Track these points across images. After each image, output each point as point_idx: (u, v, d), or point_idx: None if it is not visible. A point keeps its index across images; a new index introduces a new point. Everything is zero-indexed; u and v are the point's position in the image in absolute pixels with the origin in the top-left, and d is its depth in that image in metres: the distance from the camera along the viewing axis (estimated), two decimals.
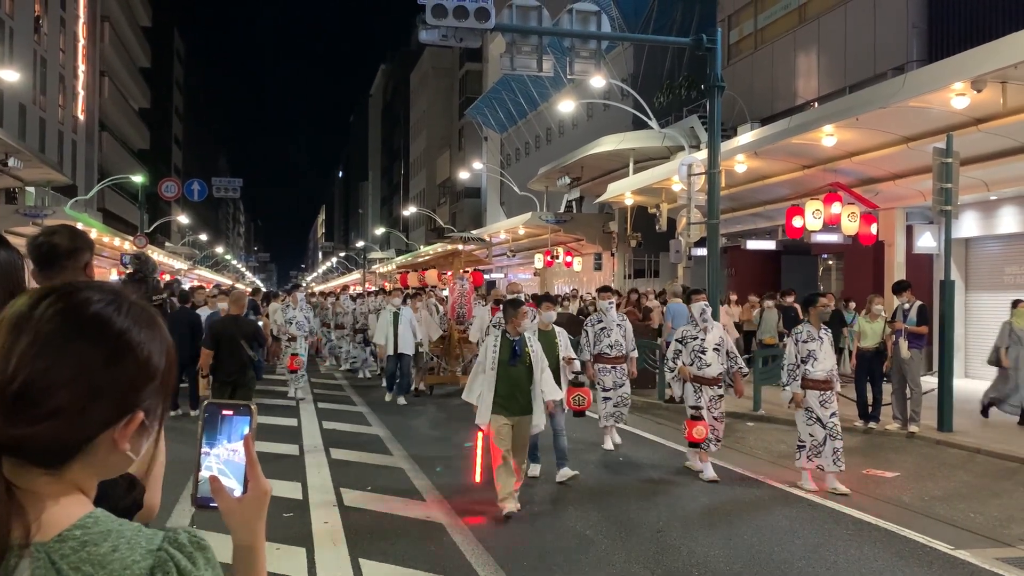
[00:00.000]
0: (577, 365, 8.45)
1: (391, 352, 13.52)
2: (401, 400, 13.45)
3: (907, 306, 10.76)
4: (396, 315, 13.55)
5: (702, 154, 17.15)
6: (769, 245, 20.56)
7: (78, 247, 2.84)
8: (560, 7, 15.53)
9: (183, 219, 59.30)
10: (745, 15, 25.75)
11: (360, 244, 77.84)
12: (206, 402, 1.25)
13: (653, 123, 21.64)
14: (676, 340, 8.55)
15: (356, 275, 68.66)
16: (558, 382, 7.55)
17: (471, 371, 7.09)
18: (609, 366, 9.71)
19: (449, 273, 17.04)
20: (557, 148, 37.99)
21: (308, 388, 13.97)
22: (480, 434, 7.07)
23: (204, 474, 1.20)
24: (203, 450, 1.21)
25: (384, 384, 14.51)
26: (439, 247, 22.05)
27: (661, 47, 28.29)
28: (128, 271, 10.09)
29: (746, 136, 18.69)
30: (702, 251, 18.40)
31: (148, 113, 60.54)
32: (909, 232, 17.27)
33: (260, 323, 11.44)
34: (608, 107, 29.45)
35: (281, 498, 7.23)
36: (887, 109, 12.87)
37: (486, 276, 28.38)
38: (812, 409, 7.80)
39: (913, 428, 10.55)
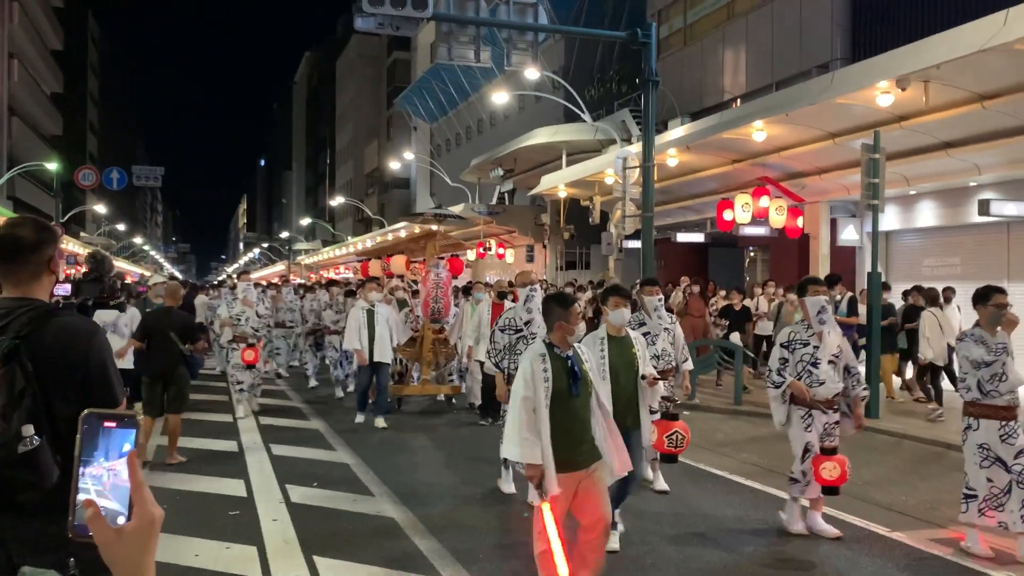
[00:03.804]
0: (662, 388, 6.21)
1: (365, 361, 10.90)
2: (380, 422, 10.62)
3: (838, 298, 11.13)
4: (371, 313, 10.95)
5: (636, 147, 17.38)
6: (698, 238, 20.97)
7: (43, 240, 2.71)
8: None
9: (100, 208, 57.23)
10: (675, 11, 26.14)
11: (284, 235, 76.56)
12: (85, 411, 1.09)
13: (586, 116, 21.82)
14: (781, 345, 6.22)
15: (280, 266, 67.48)
16: (637, 409, 5.57)
17: (507, 415, 4.79)
18: None
19: (421, 260, 14.19)
20: (489, 139, 37.97)
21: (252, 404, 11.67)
22: (545, 507, 4.37)
23: (81, 497, 1.04)
24: (80, 469, 1.05)
25: (336, 393, 13.30)
26: (407, 227, 18.84)
27: (592, 40, 28.50)
28: (84, 271, 9.64)
29: (678, 130, 19.01)
30: (633, 244, 18.67)
31: (61, 98, 58.11)
32: (833, 225, 17.83)
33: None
34: (540, 99, 29.56)
35: (225, 496, 7.09)
36: (815, 106, 13.26)
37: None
38: (989, 446, 5.63)
39: None
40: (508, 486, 7.21)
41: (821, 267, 17.17)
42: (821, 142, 14.88)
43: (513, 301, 9.47)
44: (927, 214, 15.99)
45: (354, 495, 7.11)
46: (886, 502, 7.10)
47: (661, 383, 6.04)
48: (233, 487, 7.37)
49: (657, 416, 6.19)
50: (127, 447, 1.05)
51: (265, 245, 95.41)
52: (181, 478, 7.68)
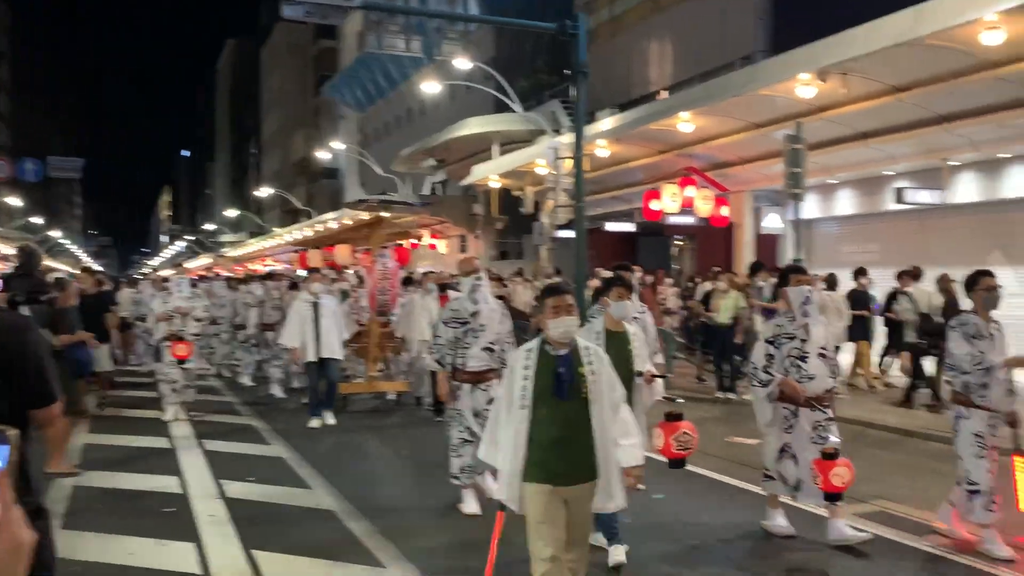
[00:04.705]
0: (660, 387, 5.74)
1: (312, 358, 10.11)
2: (329, 419, 10.12)
3: (761, 284, 11.49)
4: (316, 306, 10.20)
5: (567, 138, 17.55)
6: (628, 227, 21.32)
7: None
8: None
9: (14, 201, 55.04)
10: (601, 2, 26.40)
11: (209, 227, 74.85)
12: None
13: (517, 106, 21.93)
14: (766, 341, 5.79)
15: (206, 259, 65.96)
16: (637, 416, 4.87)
17: (491, 411, 4.27)
18: None
19: (364, 250, 13.28)
20: (419, 128, 37.76)
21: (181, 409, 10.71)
22: (501, 517, 4.05)
23: None
24: None
25: (273, 391, 12.55)
26: (337, 218, 17.42)
27: (522, 31, 28.59)
28: (14, 266, 9.22)
29: (607, 121, 19.26)
30: (565, 233, 18.88)
31: None
32: (757, 214, 18.33)
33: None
34: (471, 89, 29.56)
35: (158, 492, 6.97)
36: (740, 97, 13.63)
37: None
38: (984, 436, 5.45)
39: None
40: (472, 506, 6.36)
41: (746, 254, 17.66)
42: (745, 132, 15.29)
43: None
44: (846, 202, 16.58)
45: (291, 488, 7.08)
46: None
47: (659, 381, 5.65)
48: (166, 483, 7.25)
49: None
50: None
51: (191, 238, 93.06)
52: (111, 476, 7.51)
